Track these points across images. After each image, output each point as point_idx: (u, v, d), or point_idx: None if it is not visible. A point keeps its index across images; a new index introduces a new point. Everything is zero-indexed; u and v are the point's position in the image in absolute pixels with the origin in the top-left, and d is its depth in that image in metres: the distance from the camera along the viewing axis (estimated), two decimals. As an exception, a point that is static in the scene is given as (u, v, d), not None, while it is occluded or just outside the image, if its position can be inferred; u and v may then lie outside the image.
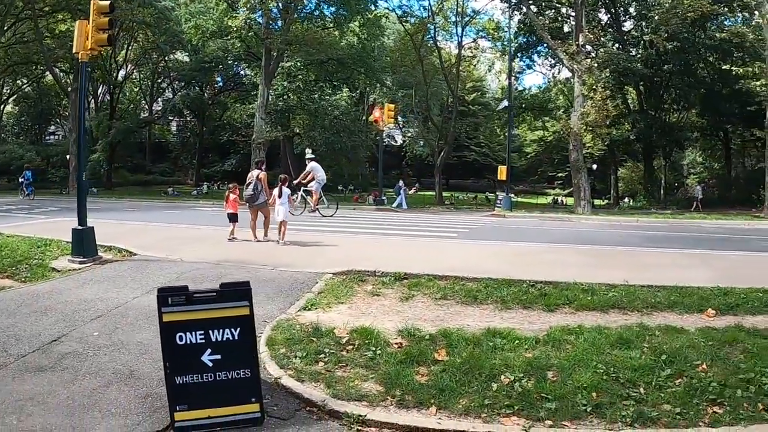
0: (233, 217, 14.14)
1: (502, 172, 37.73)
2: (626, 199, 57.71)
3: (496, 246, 14.98)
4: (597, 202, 55.62)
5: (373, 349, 6.12)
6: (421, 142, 61.36)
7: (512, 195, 39.76)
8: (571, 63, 35.28)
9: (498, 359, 5.83)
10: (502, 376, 5.45)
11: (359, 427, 4.68)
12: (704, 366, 5.75)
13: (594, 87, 33.53)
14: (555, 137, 62.17)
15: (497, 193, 41.74)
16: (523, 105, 53.00)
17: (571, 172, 38.12)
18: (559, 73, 54.40)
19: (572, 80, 38.99)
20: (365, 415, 4.77)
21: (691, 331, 6.84)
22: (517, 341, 6.39)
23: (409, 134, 70.09)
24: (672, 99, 50.62)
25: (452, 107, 49.72)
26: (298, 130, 54.38)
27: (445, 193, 53.44)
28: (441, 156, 47.44)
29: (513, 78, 51.79)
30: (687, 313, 7.84)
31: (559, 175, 72.19)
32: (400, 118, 60.50)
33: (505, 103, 40.30)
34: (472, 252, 13.72)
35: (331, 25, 43.28)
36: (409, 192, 44.56)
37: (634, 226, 24.25)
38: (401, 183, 41.13)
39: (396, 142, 77.02)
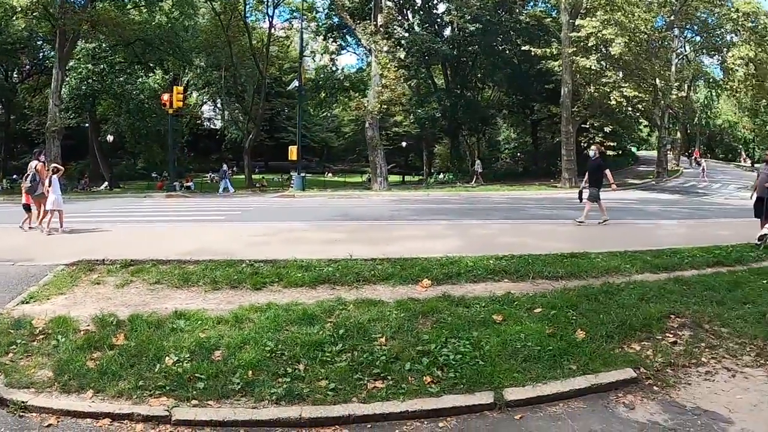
0: (27, 208, 15.09)
1: (292, 153, 38.56)
2: (440, 175, 61.64)
3: (256, 227, 15.41)
4: (408, 178, 60.05)
5: (60, 337, 6.37)
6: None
7: (305, 174, 40.90)
8: (369, 43, 38.05)
9: (172, 341, 6.19)
10: (167, 358, 5.77)
11: (21, 413, 5.02)
12: (384, 339, 6.27)
13: (387, 66, 36.64)
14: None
15: (291, 173, 42.85)
16: (336, 85, 55.48)
17: (368, 150, 40.93)
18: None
19: (371, 60, 41.35)
20: (27, 402, 5.11)
21: (389, 304, 7.48)
22: (200, 322, 6.78)
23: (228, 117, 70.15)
24: (478, 78, 55.57)
25: (266, 88, 50.95)
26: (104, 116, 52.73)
27: (258, 176, 55.32)
28: (250, 138, 48.83)
29: (330, 58, 54.81)
30: (402, 285, 8.57)
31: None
32: (218, 101, 61.12)
33: (296, 83, 41.67)
34: (222, 234, 14.33)
35: (142, 3, 43.05)
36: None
37: (422, 200, 26.83)
38: (225, 167, 42.40)
39: (215, 125, 77.04)
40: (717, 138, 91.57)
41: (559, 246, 11.83)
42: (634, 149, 72.68)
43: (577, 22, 37.91)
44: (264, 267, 9.24)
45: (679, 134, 66.22)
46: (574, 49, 38.16)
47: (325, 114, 75.58)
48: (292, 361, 5.77)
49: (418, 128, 54.53)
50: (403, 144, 61.43)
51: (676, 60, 51.59)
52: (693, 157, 68.66)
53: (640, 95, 37.15)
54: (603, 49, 37.59)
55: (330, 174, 72.56)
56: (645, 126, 64.89)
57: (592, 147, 18.33)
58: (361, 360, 5.78)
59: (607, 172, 17.27)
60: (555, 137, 51.78)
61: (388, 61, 38.19)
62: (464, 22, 46.02)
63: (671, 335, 6.97)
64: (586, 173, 17.56)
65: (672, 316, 7.53)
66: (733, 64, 42.20)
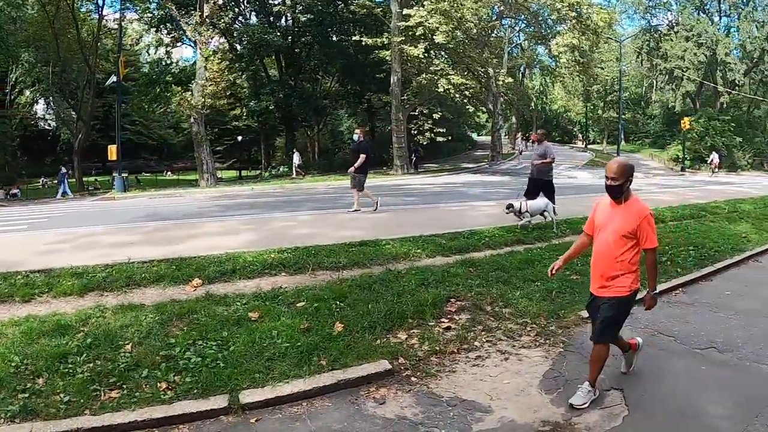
0: None
1: (112, 152, 36.06)
2: (280, 168, 61.53)
3: (54, 234, 14.09)
4: (247, 173, 59.84)
5: None
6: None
7: (126, 175, 39.20)
8: (194, 34, 37.56)
9: None
10: None
11: None
12: (130, 346, 6.07)
13: (210, 57, 36.61)
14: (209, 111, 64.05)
15: (114, 174, 40.93)
16: (171, 79, 54.21)
17: (195, 146, 40.30)
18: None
19: (197, 52, 40.80)
20: None
21: (148, 308, 7.31)
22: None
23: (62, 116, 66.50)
24: (312, 69, 56.03)
25: (98, 85, 48.85)
26: None
27: (91, 178, 53.31)
28: (80, 138, 47.24)
29: (165, 51, 53.40)
30: (173, 286, 8.39)
31: (218, 148, 75.02)
32: (51, 99, 58.01)
33: (114, 78, 39.50)
34: (13, 244, 12.82)
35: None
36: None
37: (243, 195, 26.90)
38: (63, 170, 40.26)
39: (49, 126, 72.66)
40: (553, 122, 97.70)
41: (356, 234, 12.17)
42: (475, 135, 76.44)
43: (405, 11, 39.26)
44: (39, 277, 8.68)
45: (514, 119, 70.31)
46: (403, 38, 39.55)
47: (163, 110, 73.51)
48: (34, 375, 5.53)
49: (256, 122, 54.49)
50: (239, 138, 61.18)
51: (508, 48, 54.78)
52: (531, 141, 72.82)
53: (467, 82, 39.28)
54: (431, 38, 39.06)
55: (169, 173, 70.95)
56: (484, 112, 68.23)
57: (356, 131, 17.65)
58: (101, 369, 5.62)
59: (362, 156, 16.49)
60: (388, 126, 52.76)
61: (211, 52, 38.08)
62: (296, 12, 46.64)
63: (446, 321, 7.27)
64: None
65: (452, 300, 7.95)
66: (558, 51, 45.26)
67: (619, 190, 5.14)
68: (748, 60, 66.07)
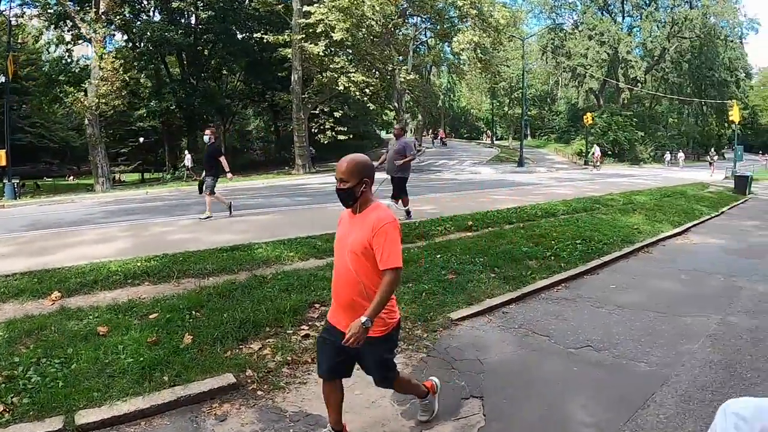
0: None
1: (1, 158, 32.69)
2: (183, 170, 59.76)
3: None
4: (148, 175, 57.94)
5: None
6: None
7: (17, 181, 35.12)
8: (89, 31, 35.95)
9: None
10: None
11: None
12: None
13: (104, 56, 35.25)
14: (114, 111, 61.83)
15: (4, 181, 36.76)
16: (71, 79, 51.55)
17: (89, 149, 38.75)
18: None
19: (93, 50, 39.23)
20: None
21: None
22: None
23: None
24: (215, 67, 54.69)
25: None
26: None
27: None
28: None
29: (66, 50, 50.18)
30: (32, 300, 7.78)
31: (123, 150, 72.68)
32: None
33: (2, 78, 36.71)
34: None
35: None
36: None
37: (138, 199, 25.68)
38: None
39: None
40: (461, 119, 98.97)
41: (234, 238, 11.63)
42: (383, 133, 76.41)
43: (306, 8, 38.66)
44: None
45: (420, 117, 70.51)
46: (304, 35, 38.96)
47: (64, 111, 70.16)
48: None
49: (159, 122, 52.75)
50: (141, 140, 59.20)
51: (414, 46, 54.78)
52: (439, 138, 73.59)
53: (367, 80, 38.95)
54: (332, 36, 38.57)
55: (72, 177, 67.84)
56: (392, 110, 68.21)
57: (206, 132, 15.92)
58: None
59: (222, 159, 15.51)
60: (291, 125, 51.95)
61: (104, 50, 36.59)
62: (196, 9, 45.39)
63: (306, 328, 6.88)
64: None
65: (316, 305, 7.50)
66: (459, 48, 45.46)
67: (350, 194, 4.06)
68: (649, 58, 68.63)
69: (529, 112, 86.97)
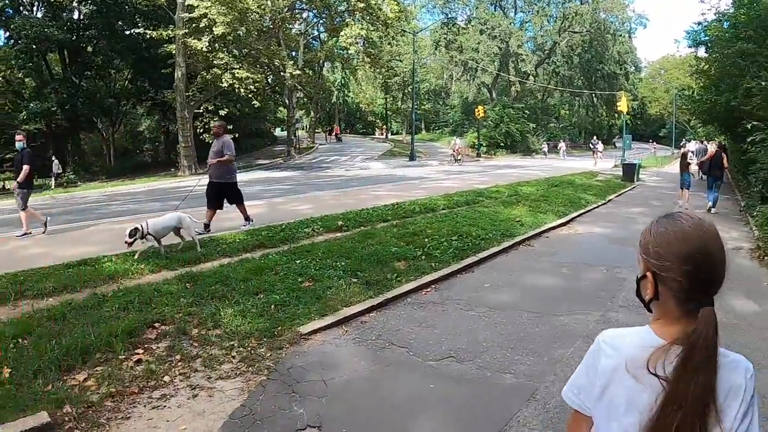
0: None
1: None
2: (65, 176, 56.83)
3: None
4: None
5: None
6: None
7: None
8: None
9: None
10: None
11: None
12: None
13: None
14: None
15: None
16: None
17: None
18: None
19: None
20: None
21: None
22: None
23: None
24: (99, 65, 51.71)
25: None
26: None
27: None
28: None
29: None
30: None
31: (8, 156, 68.39)
32: None
33: None
34: None
35: None
36: None
37: (7, 210, 23.64)
38: None
39: None
40: (356, 114, 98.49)
41: (90, 251, 10.42)
42: (279, 130, 75.15)
43: (189, 2, 36.90)
44: None
45: (312, 113, 69.41)
46: (186, 30, 37.26)
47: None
48: None
49: (42, 124, 49.35)
50: (19, 144, 55.44)
51: (305, 41, 53.58)
52: (334, 134, 72.76)
53: (252, 76, 37.62)
54: (214, 30, 36.98)
55: None
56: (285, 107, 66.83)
57: (17, 137, 13.83)
58: None
59: (25, 167, 13.23)
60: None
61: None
62: (78, 3, 42.82)
63: (142, 351, 6.07)
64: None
65: (157, 324, 6.65)
66: (347, 42, 44.75)
67: None
68: (540, 52, 70.00)
69: (423, 107, 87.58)
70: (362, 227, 12.12)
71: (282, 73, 43.88)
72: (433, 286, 8.62)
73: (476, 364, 5.88)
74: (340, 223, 12.13)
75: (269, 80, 45.52)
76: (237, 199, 12.76)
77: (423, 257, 9.71)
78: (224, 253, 9.85)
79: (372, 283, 8.23)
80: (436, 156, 51.91)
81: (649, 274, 1.77)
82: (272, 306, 7.19)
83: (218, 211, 12.66)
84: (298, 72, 43.27)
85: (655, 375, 1.62)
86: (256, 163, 41.77)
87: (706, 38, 29.05)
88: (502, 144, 58.42)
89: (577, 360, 5.75)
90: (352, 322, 7.06)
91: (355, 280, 8.35)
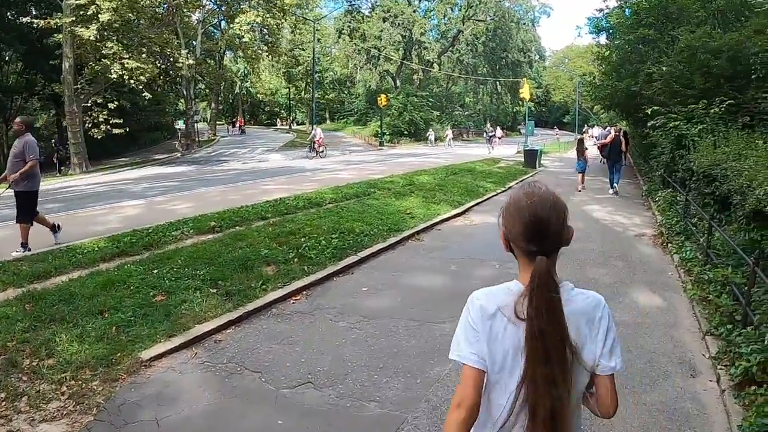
0: None
1: None
2: None
3: None
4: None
5: None
6: None
7: None
8: None
9: None
10: None
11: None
12: None
13: None
14: None
15: None
16: None
17: None
18: None
19: None
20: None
21: None
22: None
23: None
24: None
25: None
26: None
27: None
28: None
29: None
30: None
31: None
32: None
33: None
34: None
35: None
36: None
37: None
38: None
39: None
40: (261, 104, 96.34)
41: None
42: (181, 122, 72.74)
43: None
44: None
45: (213, 104, 67.14)
46: (74, 18, 34.86)
47: None
48: None
49: None
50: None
51: (203, 29, 51.52)
52: (237, 125, 70.77)
53: (143, 66, 35.61)
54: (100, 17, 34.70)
55: None
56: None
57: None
58: None
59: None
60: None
61: None
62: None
63: None
64: None
65: None
66: (241, 30, 43.28)
67: None
68: (444, 40, 69.84)
69: (327, 96, 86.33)
70: (237, 227, 10.98)
71: (176, 63, 41.98)
72: (304, 292, 7.74)
73: (337, 390, 5.09)
74: (212, 223, 10.91)
75: (163, 71, 43.49)
76: (26, 214, 9.74)
77: (295, 259, 8.75)
78: (79, 265, 8.40)
79: (233, 294, 7.25)
80: (339, 146, 50.79)
81: (502, 235, 2.06)
82: (114, 328, 6.12)
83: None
84: (191, 62, 41.51)
85: (517, 317, 1.88)
86: (153, 158, 39.57)
87: (608, 25, 29.28)
88: (405, 132, 57.91)
89: (455, 379, 5.00)
90: (205, 342, 6.13)
91: (215, 290, 7.33)
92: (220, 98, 73.84)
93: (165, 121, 60.78)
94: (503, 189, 19.29)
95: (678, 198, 13.56)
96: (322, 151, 36.96)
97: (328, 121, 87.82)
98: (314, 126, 45.37)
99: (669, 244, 10.95)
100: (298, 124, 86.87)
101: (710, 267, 8.12)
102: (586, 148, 20.93)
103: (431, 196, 15.66)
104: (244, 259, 8.48)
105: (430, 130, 57.64)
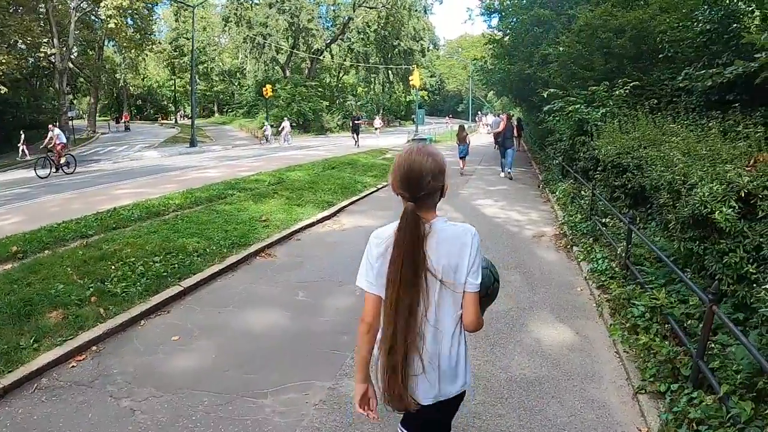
0: None
1: None
2: None
3: None
4: None
5: None
6: None
7: None
8: None
9: None
10: None
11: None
12: None
13: None
14: None
15: None
16: None
17: None
18: None
19: None
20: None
21: None
22: None
23: None
24: None
25: None
26: None
27: None
28: None
29: None
30: None
31: None
32: None
33: None
34: None
35: None
36: None
37: None
38: None
39: None
40: (148, 98, 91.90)
41: None
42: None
43: None
44: None
45: (93, 99, 62.60)
46: None
47: None
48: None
49: None
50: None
51: (76, 16, 47.50)
52: (122, 121, 66.82)
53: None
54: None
55: None
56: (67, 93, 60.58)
57: None
58: None
59: None
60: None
61: None
62: None
63: None
64: None
65: None
66: (107, 15, 41.05)
67: None
68: (335, 28, 67.80)
69: (214, 88, 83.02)
70: (46, 251, 8.79)
71: (41, 54, 38.51)
72: (93, 348, 5.73)
73: None
74: (14, 248, 8.64)
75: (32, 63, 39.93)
76: None
77: (92, 298, 6.64)
78: None
79: (-13, 361, 5.18)
80: (223, 140, 48.15)
81: (391, 186, 2.43)
82: None
83: None
84: (53, 51, 38.12)
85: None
86: (23, 159, 35.51)
87: (500, 6, 28.09)
88: (294, 124, 55.83)
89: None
90: None
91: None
92: (100, 93, 69.50)
93: (42, 119, 56.56)
94: (385, 183, 17.68)
95: (582, 192, 12.13)
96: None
97: (216, 114, 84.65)
98: (284, 118, 43.77)
99: (574, 247, 9.48)
100: (188, 118, 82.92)
101: (633, 286, 6.50)
102: (467, 134, 21.40)
103: (298, 196, 13.75)
104: (25, 303, 6.33)
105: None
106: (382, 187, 16.99)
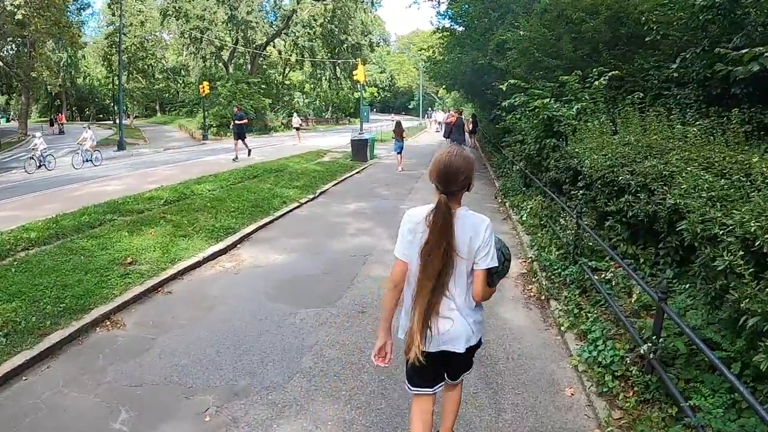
0: None
1: None
2: None
3: None
4: None
5: None
6: None
7: None
8: None
9: None
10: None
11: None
12: None
13: None
14: None
15: None
16: None
17: None
18: None
19: None
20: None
21: None
22: None
23: None
24: None
25: None
26: None
27: None
28: None
29: None
30: None
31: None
32: None
33: None
34: None
35: None
36: None
37: None
38: None
39: None
40: (89, 98, 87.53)
41: None
42: (3, 121, 65.08)
43: None
44: None
45: (24, 99, 58.34)
46: None
47: None
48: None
49: None
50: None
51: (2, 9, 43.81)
52: (58, 123, 62.78)
53: None
54: None
55: None
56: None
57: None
58: None
59: None
60: None
61: None
62: None
63: None
64: None
65: None
66: (12, 5, 37.95)
67: None
68: (279, 22, 64.75)
69: (156, 86, 79.14)
70: None
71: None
72: None
73: None
74: None
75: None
76: None
77: None
78: None
79: None
80: (159, 141, 44.69)
81: (430, 179, 3.07)
82: None
83: None
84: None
85: (426, 225, 3.01)
86: None
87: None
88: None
89: None
90: None
91: None
92: (38, 93, 65.38)
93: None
94: (312, 197, 15.02)
95: (561, 219, 9.07)
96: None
97: (159, 113, 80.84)
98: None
99: (552, 301, 6.76)
100: (135, 119, 78.88)
101: (670, 409, 3.92)
102: (404, 130, 22.23)
103: (190, 221, 10.83)
104: None
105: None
106: (306, 202, 14.31)
